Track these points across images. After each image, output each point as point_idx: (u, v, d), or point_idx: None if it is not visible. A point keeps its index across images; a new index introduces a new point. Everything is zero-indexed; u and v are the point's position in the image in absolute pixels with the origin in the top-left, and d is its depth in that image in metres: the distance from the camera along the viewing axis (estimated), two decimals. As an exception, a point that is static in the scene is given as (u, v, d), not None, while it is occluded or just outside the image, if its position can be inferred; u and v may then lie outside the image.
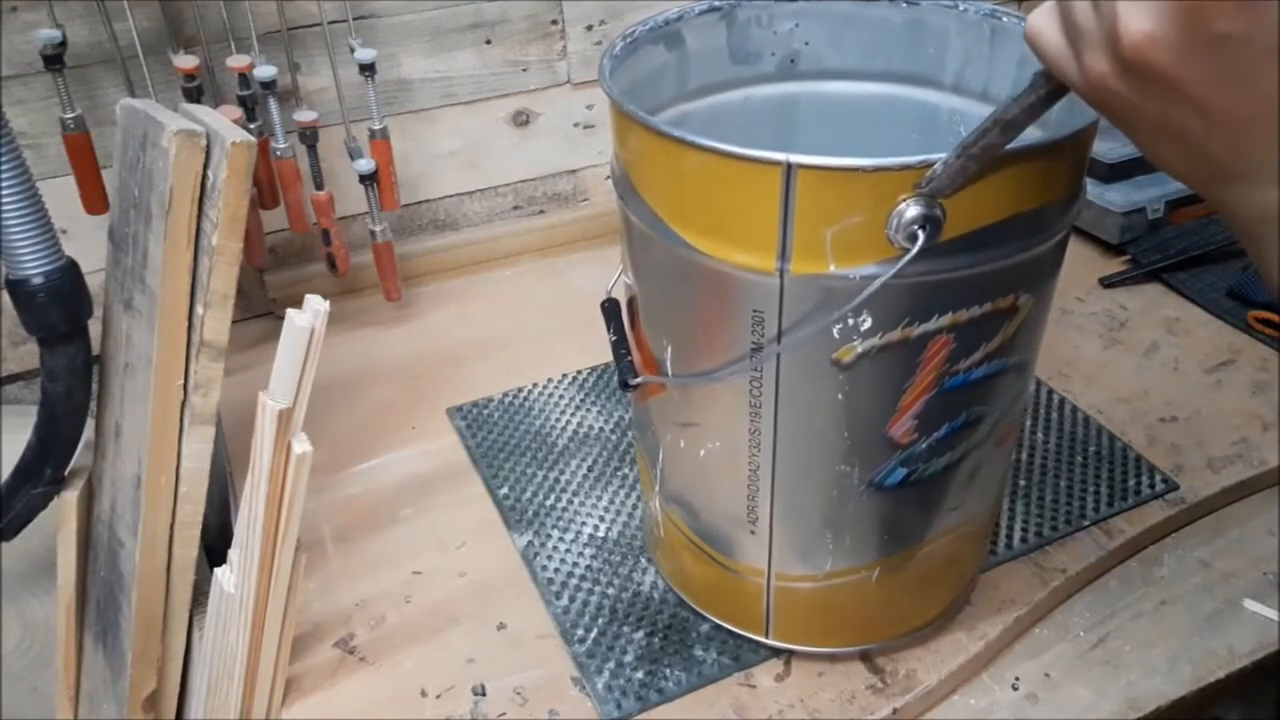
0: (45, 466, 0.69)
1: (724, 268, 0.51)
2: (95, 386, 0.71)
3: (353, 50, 0.92)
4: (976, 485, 0.60)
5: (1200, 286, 1.01)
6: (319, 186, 0.95)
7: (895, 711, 0.63)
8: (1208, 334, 0.96)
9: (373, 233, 0.98)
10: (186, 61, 0.86)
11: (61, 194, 0.87)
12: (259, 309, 1.05)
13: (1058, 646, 0.68)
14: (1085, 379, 0.91)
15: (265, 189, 0.94)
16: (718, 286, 0.52)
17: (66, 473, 0.71)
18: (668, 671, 0.66)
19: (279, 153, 0.93)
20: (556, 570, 0.74)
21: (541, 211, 1.16)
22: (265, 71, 0.88)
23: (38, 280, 0.62)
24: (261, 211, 0.95)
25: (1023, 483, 0.79)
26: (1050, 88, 0.41)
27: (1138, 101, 0.34)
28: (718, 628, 0.68)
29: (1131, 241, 1.06)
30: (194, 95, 0.87)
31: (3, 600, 0.89)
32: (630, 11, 1.07)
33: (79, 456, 0.72)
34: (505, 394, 0.92)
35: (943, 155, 0.44)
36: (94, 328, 0.67)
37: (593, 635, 0.68)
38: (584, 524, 0.78)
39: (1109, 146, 1.09)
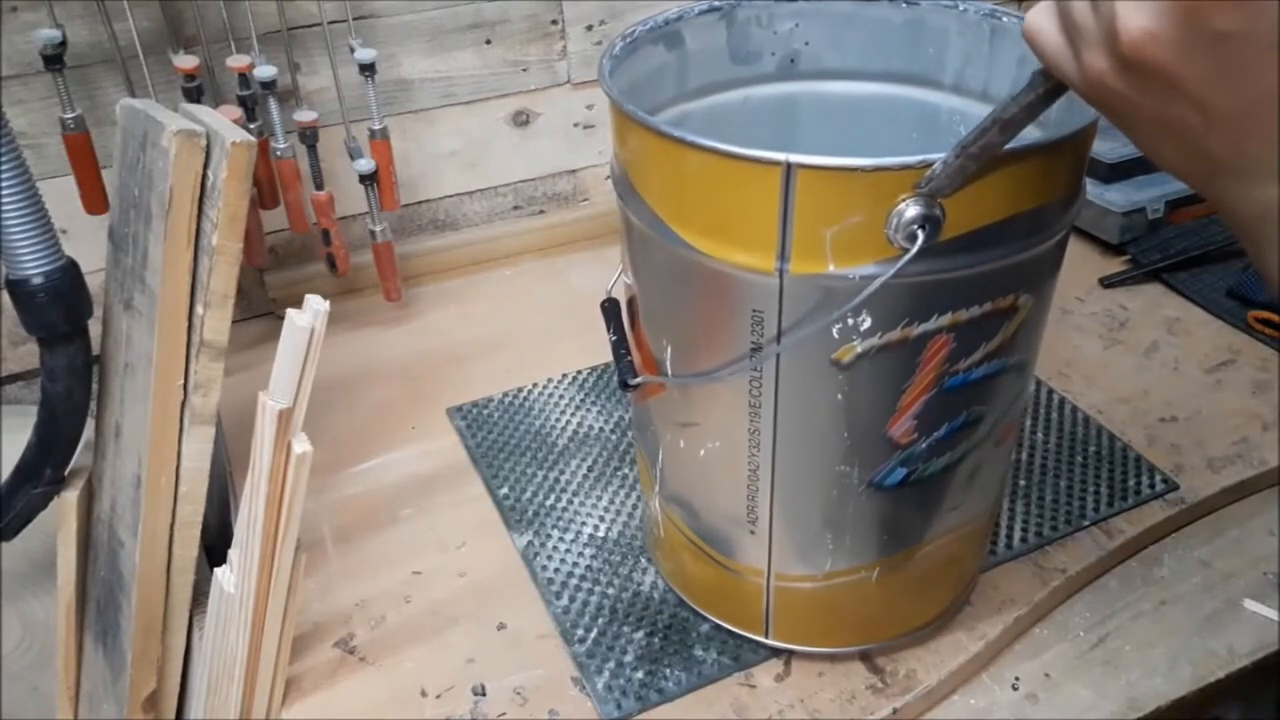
0: (45, 466, 0.69)
1: (724, 268, 0.51)
2: (95, 386, 0.71)
3: (353, 50, 0.92)
4: (976, 485, 0.60)
5: (1200, 286, 1.01)
6: (319, 186, 0.95)
7: (895, 711, 0.63)
8: (1208, 334, 0.96)
9: (373, 233, 0.98)
10: (186, 61, 0.86)
11: (61, 194, 0.87)
12: (259, 309, 1.05)
13: (1058, 646, 0.68)
14: (1085, 379, 0.91)
15: (265, 189, 0.94)
16: (717, 286, 0.52)
17: (66, 473, 0.71)
18: (668, 671, 0.66)
19: (279, 153, 0.93)
20: (556, 570, 0.74)
21: (541, 211, 1.16)
22: (265, 71, 0.88)
23: (38, 280, 0.62)
24: (261, 211, 0.95)
25: (1023, 483, 0.79)
26: (1049, 86, 0.41)
27: (1136, 99, 0.34)
28: (718, 628, 0.68)
29: (1131, 241, 1.06)
30: (194, 95, 0.87)
31: (3, 600, 0.89)
32: (630, 11, 1.07)
33: (79, 456, 0.72)
34: (505, 394, 0.92)
35: (942, 155, 0.44)
36: (94, 328, 0.67)
37: (593, 635, 0.68)
38: (584, 524, 0.78)
39: (1109, 146, 1.09)
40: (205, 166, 0.60)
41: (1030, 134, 0.45)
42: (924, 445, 0.55)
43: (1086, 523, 0.75)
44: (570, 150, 1.13)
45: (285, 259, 1.05)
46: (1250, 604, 0.70)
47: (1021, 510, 0.77)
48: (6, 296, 0.66)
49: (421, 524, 0.79)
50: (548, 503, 0.80)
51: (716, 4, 0.65)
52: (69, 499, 0.72)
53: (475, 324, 1.03)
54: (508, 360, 0.97)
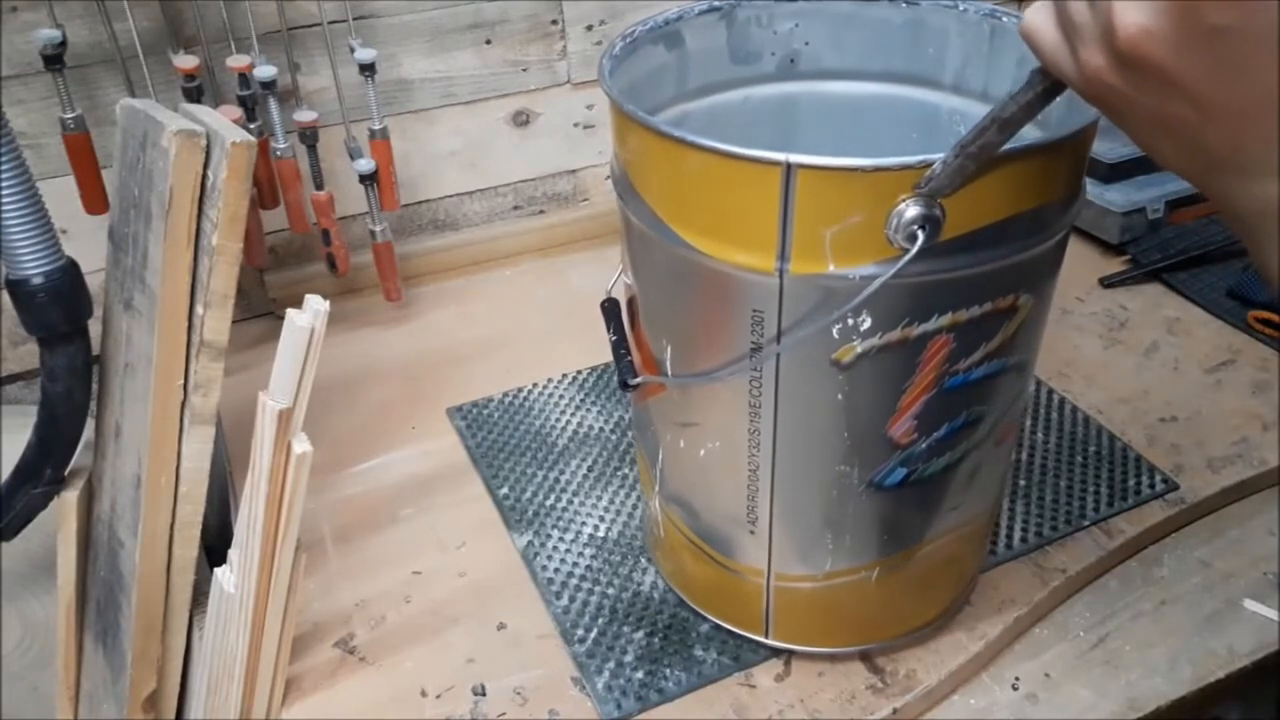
0: (45, 466, 0.69)
1: (724, 268, 0.51)
2: (95, 386, 0.71)
3: (353, 50, 0.92)
4: (976, 485, 0.60)
5: (1200, 286, 1.01)
6: (319, 186, 0.95)
7: (895, 711, 0.63)
8: (1208, 334, 0.96)
9: (373, 233, 0.98)
10: (186, 61, 0.86)
11: (61, 194, 0.87)
12: (259, 309, 1.05)
13: (1058, 646, 0.68)
14: (1085, 379, 0.91)
15: (265, 189, 0.94)
16: (717, 286, 0.52)
17: (66, 473, 0.71)
18: (668, 671, 0.66)
19: (279, 153, 0.93)
20: (556, 570, 0.74)
21: (541, 211, 1.16)
22: (265, 71, 0.88)
23: (38, 280, 0.62)
24: (261, 211, 0.95)
25: (1023, 483, 0.79)
26: (1047, 84, 0.41)
27: (1134, 96, 0.34)
28: (718, 628, 0.68)
29: (1131, 241, 1.06)
30: (194, 95, 0.87)
31: (3, 600, 0.89)
32: (630, 11, 1.07)
33: (79, 456, 0.72)
34: (505, 394, 0.92)
35: (942, 155, 0.44)
36: (94, 328, 0.67)
37: (593, 635, 0.68)
38: (584, 524, 0.78)
39: (1109, 146, 1.09)
40: (205, 166, 0.60)
41: (1030, 134, 0.45)
42: (924, 445, 0.55)
43: (1086, 523, 0.75)
44: (570, 150, 1.13)
45: (285, 259, 1.05)
46: (1250, 604, 0.70)
47: (1021, 510, 0.77)
48: (6, 296, 0.66)
49: (421, 524, 0.79)
50: (548, 503, 0.80)
51: (716, 4, 0.65)
52: (69, 499, 0.72)
53: (475, 324, 1.03)
54: (508, 360, 0.97)
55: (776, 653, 0.67)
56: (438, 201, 1.10)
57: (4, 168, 0.59)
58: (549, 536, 0.77)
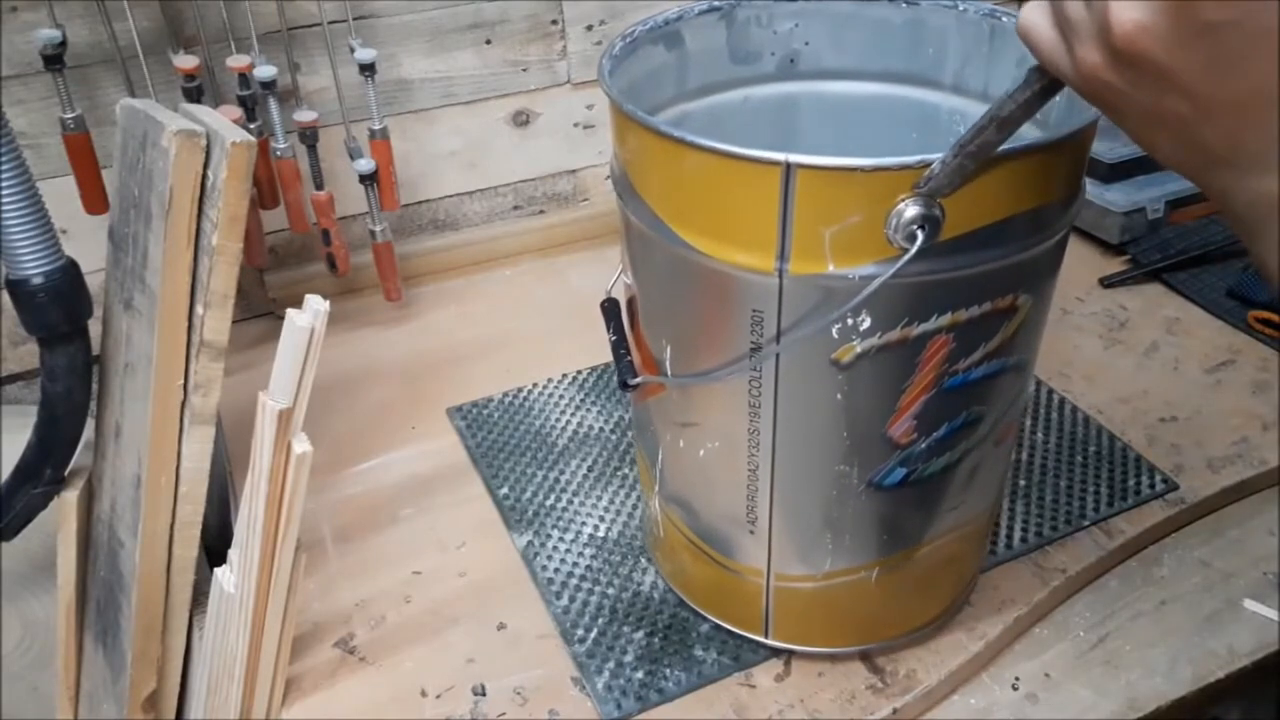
0: (45, 466, 0.69)
1: (723, 268, 0.51)
2: (95, 386, 0.71)
3: (353, 50, 0.92)
4: (976, 485, 0.60)
5: (1200, 286, 1.01)
6: (319, 186, 0.95)
7: (895, 711, 0.63)
8: (1208, 334, 0.96)
9: (373, 233, 0.99)
10: (186, 61, 0.86)
11: (61, 194, 0.87)
12: (259, 309, 1.05)
13: (1058, 646, 0.68)
14: (1085, 379, 0.91)
15: (265, 189, 0.94)
16: (717, 286, 0.52)
17: (66, 473, 0.71)
18: (668, 671, 0.66)
19: (279, 153, 0.93)
20: (556, 570, 0.74)
21: (541, 211, 1.16)
22: (265, 71, 0.88)
23: (38, 280, 0.62)
24: (261, 211, 0.95)
25: (1023, 483, 0.79)
26: (1044, 82, 0.41)
27: (1130, 92, 0.34)
28: (718, 628, 0.68)
29: (1131, 241, 1.06)
30: (194, 95, 0.87)
31: (3, 600, 0.89)
32: (630, 11, 1.07)
33: (79, 456, 0.72)
34: (505, 394, 0.92)
35: (941, 155, 0.44)
36: (94, 328, 0.67)
37: (593, 635, 0.68)
38: (584, 524, 0.78)
39: (1109, 146, 1.09)
40: (205, 166, 0.60)
41: (1030, 133, 0.45)
42: (923, 445, 0.55)
43: (1086, 523, 0.75)
44: (570, 150, 1.13)
45: (285, 259, 1.05)
46: (1250, 604, 0.70)
47: (1021, 510, 0.77)
48: (6, 296, 0.66)
49: (421, 524, 0.79)
50: (548, 503, 0.80)
51: (716, 4, 0.65)
52: (69, 499, 0.72)
53: (475, 324, 1.04)
54: (508, 360, 0.97)
55: (776, 653, 0.67)
56: (438, 201, 1.10)
57: (4, 168, 0.59)
58: (549, 536, 0.77)
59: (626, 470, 0.83)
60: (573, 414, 0.89)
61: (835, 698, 0.64)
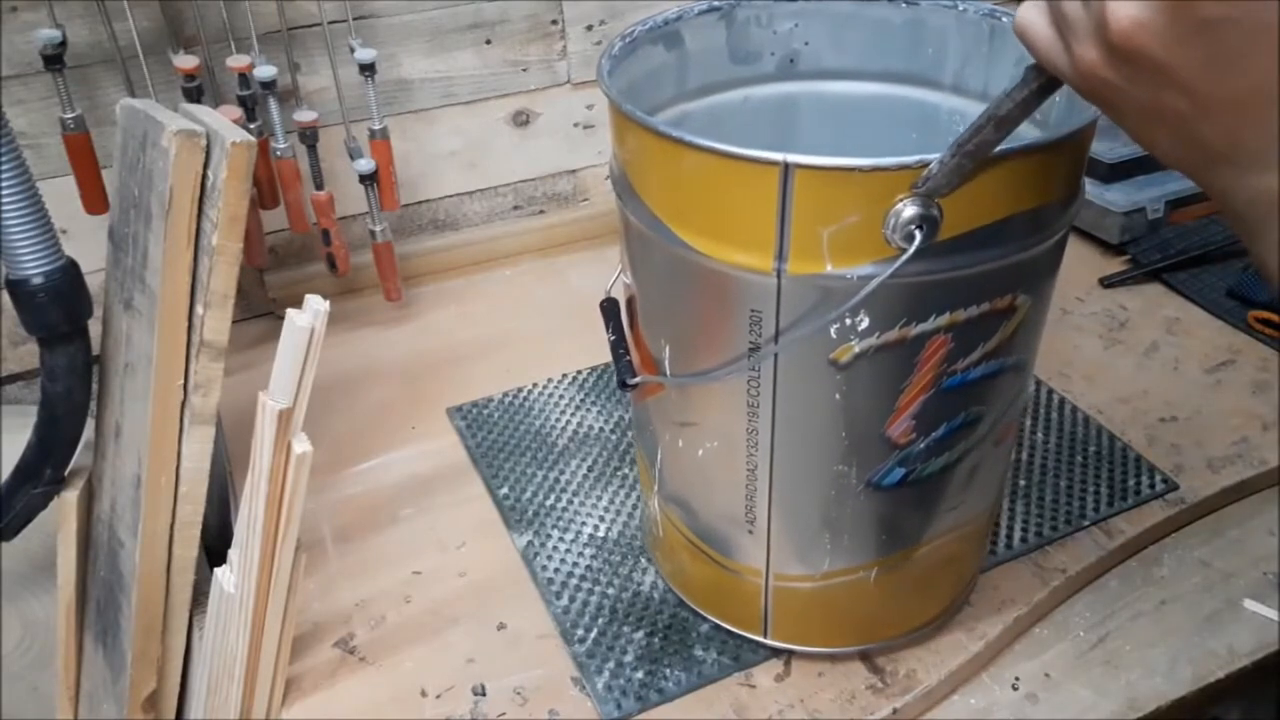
0: (45, 466, 0.69)
1: (722, 267, 0.51)
2: (95, 386, 0.71)
3: (353, 50, 0.92)
4: (975, 485, 0.60)
5: (1200, 286, 1.01)
6: (319, 186, 0.95)
7: (895, 711, 0.63)
8: (1208, 334, 0.96)
9: (373, 233, 0.99)
10: (186, 61, 0.86)
11: (61, 194, 0.87)
12: (259, 309, 1.05)
13: (1058, 646, 0.68)
14: (1085, 379, 0.91)
15: (265, 189, 0.94)
16: (715, 286, 0.52)
17: (66, 473, 0.71)
18: (668, 671, 0.66)
19: (279, 153, 0.93)
20: (556, 570, 0.74)
21: (541, 211, 1.16)
22: (265, 71, 0.88)
23: (38, 280, 0.62)
24: (261, 211, 0.95)
25: (1023, 483, 0.79)
26: (1042, 81, 0.41)
27: (1128, 89, 0.34)
28: (717, 628, 0.68)
29: (1131, 241, 1.06)
30: (194, 95, 0.87)
31: (3, 600, 0.89)
32: (630, 11, 1.07)
33: (79, 456, 0.72)
34: (505, 394, 0.92)
35: (939, 154, 0.44)
36: (94, 328, 0.67)
37: (593, 635, 0.68)
38: (584, 524, 0.78)
39: (1109, 146, 1.09)
40: (205, 166, 0.60)
41: (1029, 133, 0.45)
42: (922, 445, 0.55)
43: (1086, 523, 0.75)
44: (570, 150, 1.13)
45: (285, 259, 1.05)
46: (1250, 604, 0.70)
47: (1021, 510, 0.77)
48: (6, 296, 0.66)
49: (421, 524, 0.79)
50: (548, 503, 0.80)
51: (716, 4, 0.65)
52: (69, 499, 0.72)
53: (475, 324, 1.04)
54: (508, 360, 0.97)
55: (776, 653, 0.67)
56: (438, 201, 1.10)
57: (4, 168, 0.59)
58: (549, 536, 0.77)
59: (626, 470, 0.83)
60: (573, 414, 0.89)
61: (835, 698, 0.64)
